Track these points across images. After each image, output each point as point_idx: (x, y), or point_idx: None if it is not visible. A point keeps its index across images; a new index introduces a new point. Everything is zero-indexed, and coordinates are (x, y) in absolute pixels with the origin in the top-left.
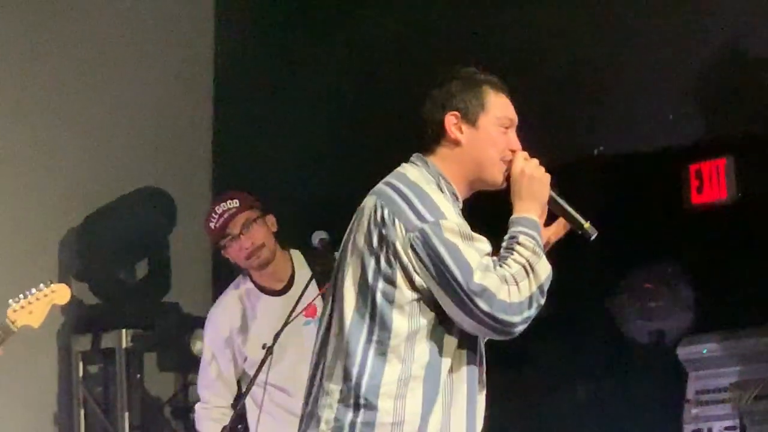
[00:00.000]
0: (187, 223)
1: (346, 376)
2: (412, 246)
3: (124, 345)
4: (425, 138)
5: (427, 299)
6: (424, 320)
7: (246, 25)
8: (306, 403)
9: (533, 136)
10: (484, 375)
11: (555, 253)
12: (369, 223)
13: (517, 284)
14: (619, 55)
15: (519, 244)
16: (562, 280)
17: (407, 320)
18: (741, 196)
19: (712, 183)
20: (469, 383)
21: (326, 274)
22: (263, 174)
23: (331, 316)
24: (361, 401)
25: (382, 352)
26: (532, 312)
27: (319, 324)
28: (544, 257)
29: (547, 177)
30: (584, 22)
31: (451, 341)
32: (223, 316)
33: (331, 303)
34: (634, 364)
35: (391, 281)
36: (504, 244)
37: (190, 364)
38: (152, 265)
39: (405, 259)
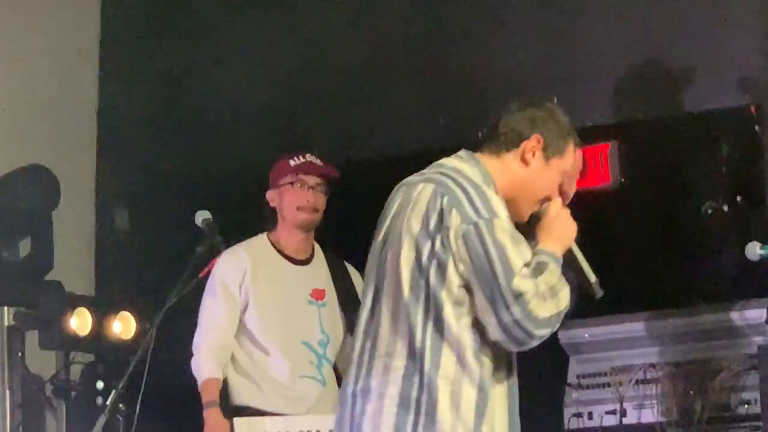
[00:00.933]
0: (71, 202)
1: (411, 354)
2: (463, 237)
3: (6, 323)
4: (497, 140)
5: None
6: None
7: (131, 2)
8: (356, 380)
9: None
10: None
11: None
12: (428, 209)
13: (546, 300)
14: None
15: (548, 269)
16: None
17: (457, 304)
18: (624, 181)
19: (596, 168)
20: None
21: (209, 253)
22: (147, 152)
23: (375, 298)
24: (425, 379)
25: (440, 330)
26: (548, 332)
27: (362, 305)
28: (568, 288)
29: (575, 228)
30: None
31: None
32: (238, 262)
33: (375, 285)
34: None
35: (443, 264)
36: (532, 266)
37: (72, 342)
38: (35, 243)
39: (454, 247)
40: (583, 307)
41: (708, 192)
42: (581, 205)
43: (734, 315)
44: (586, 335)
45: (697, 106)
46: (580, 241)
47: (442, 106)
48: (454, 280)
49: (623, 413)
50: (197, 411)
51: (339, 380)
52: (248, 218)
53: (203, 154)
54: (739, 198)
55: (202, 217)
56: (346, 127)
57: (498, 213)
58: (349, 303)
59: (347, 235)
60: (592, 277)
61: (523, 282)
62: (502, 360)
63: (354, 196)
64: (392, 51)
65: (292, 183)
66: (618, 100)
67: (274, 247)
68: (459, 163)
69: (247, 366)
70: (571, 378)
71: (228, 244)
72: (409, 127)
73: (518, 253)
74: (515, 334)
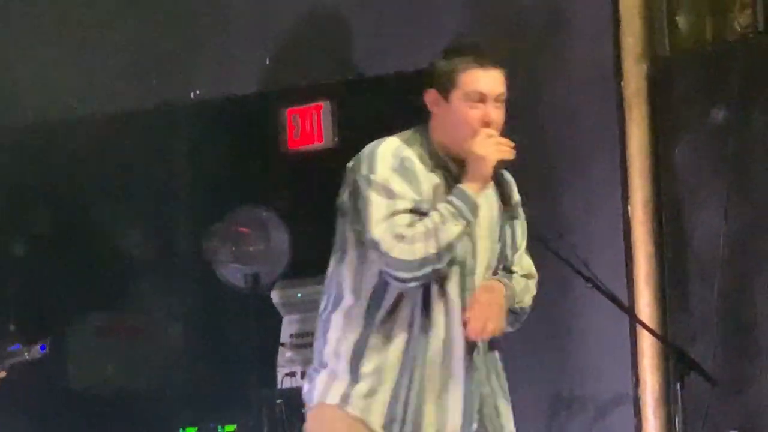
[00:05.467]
0: None
1: (326, 292)
2: (349, 194)
3: None
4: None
5: None
6: None
7: None
8: None
9: None
10: None
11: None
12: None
13: (412, 244)
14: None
15: (436, 210)
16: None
17: (360, 256)
18: (338, 141)
19: (310, 128)
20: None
21: None
22: None
23: None
24: (325, 315)
25: (339, 274)
26: (424, 272)
27: None
28: (453, 227)
29: (494, 158)
30: None
31: None
32: None
33: None
34: (229, 307)
35: (345, 217)
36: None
37: None
38: None
39: (347, 203)
40: (297, 268)
41: None
42: (295, 165)
43: None
44: (299, 295)
45: (414, 65)
46: (294, 203)
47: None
48: (351, 234)
49: None
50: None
51: None
52: None
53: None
54: None
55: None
56: None
57: (377, 167)
58: None
59: None
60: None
61: (380, 231)
62: (402, 309)
63: None
64: None
65: None
66: (331, 61)
67: None
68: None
69: None
70: (284, 337)
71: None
72: None
73: (383, 203)
74: (390, 276)
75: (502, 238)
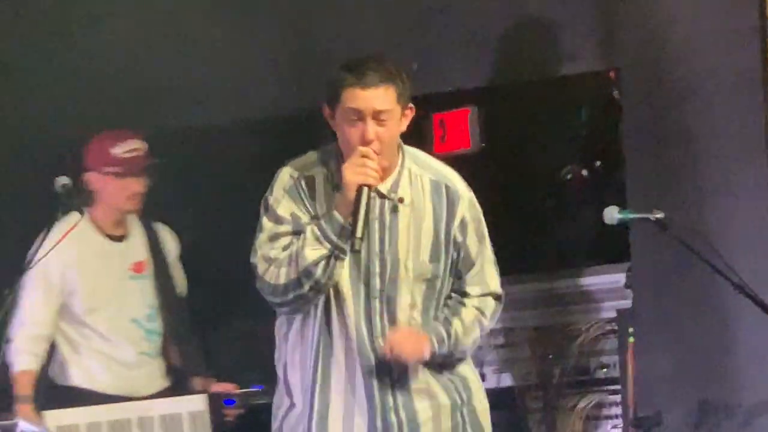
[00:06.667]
0: None
1: None
2: None
3: None
4: None
5: None
6: None
7: None
8: None
9: None
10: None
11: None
12: None
13: (279, 268)
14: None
15: (302, 233)
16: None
17: None
18: (485, 146)
19: (456, 132)
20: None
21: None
22: (4, 116)
23: None
24: None
25: None
26: (290, 298)
27: None
28: (310, 251)
29: (354, 182)
30: None
31: None
32: (58, 250)
33: None
34: None
35: None
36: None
37: None
38: None
39: None
40: None
41: (567, 157)
42: None
43: (593, 279)
44: None
45: (556, 71)
46: None
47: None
48: None
49: (482, 377)
50: None
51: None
52: None
53: (64, 119)
54: (597, 163)
55: (60, 182)
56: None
57: (274, 190)
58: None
59: None
60: (357, 232)
61: (257, 257)
62: (307, 329)
63: None
64: None
65: (117, 174)
66: (478, 66)
67: (94, 225)
68: (322, 148)
69: (90, 354)
70: None
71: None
72: None
73: (266, 227)
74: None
75: (446, 253)
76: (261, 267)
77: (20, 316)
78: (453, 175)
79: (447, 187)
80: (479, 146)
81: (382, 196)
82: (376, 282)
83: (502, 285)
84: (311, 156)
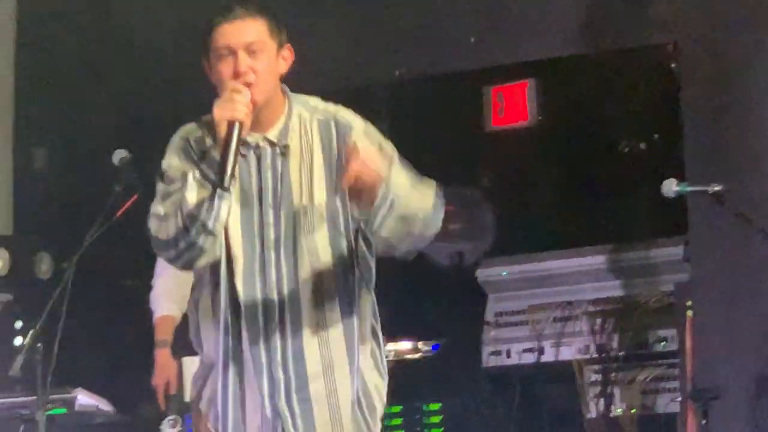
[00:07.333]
0: None
1: None
2: None
3: None
4: None
5: None
6: None
7: None
8: None
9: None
10: None
11: None
12: None
13: (167, 221)
14: None
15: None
16: None
17: None
18: (542, 119)
19: (514, 106)
20: None
21: (127, 192)
22: (65, 91)
23: None
24: None
25: None
26: (181, 248)
27: None
28: (190, 193)
29: (221, 118)
30: None
31: None
32: None
33: None
34: (433, 285)
35: None
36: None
37: None
38: None
39: None
40: (502, 246)
41: (625, 130)
42: (499, 143)
43: (651, 252)
44: (504, 273)
45: (614, 43)
46: (498, 181)
47: None
48: None
49: (541, 351)
50: (117, 350)
51: None
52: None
53: (123, 93)
54: (656, 135)
55: (119, 155)
56: None
57: (167, 155)
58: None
59: None
60: (227, 168)
61: (148, 222)
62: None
63: None
64: None
65: None
66: (536, 39)
67: None
68: None
69: None
70: (489, 316)
71: (146, 182)
72: None
73: (159, 192)
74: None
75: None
76: (153, 227)
77: (159, 264)
78: (345, 111)
79: (336, 122)
80: (537, 120)
81: (271, 144)
82: (270, 232)
83: (563, 258)
84: (204, 118)
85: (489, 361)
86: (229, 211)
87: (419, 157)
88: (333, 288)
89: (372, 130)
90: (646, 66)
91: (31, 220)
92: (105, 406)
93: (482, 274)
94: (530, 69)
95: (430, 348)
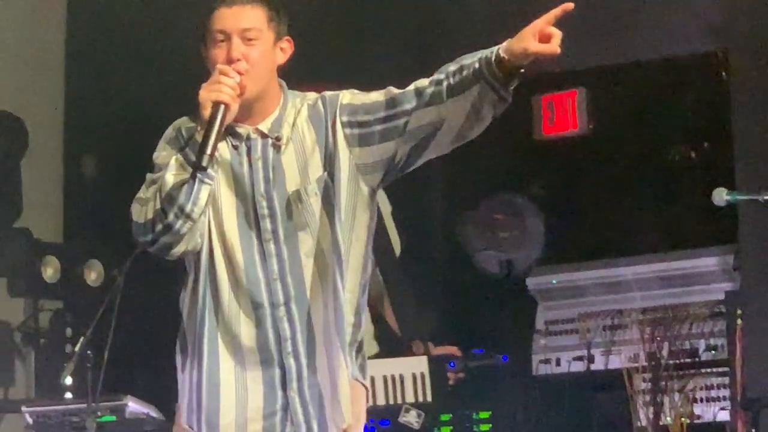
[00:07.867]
0: (39, 149)
1: None
2: None
3: None
4: None
5: None
6: None
7: None
8: None
9: None
10: None
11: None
12: None
13: (146, 205)
14: None
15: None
16: (410, 209)
17: None
18: (592, 127)
19: (564, 114)
20: None
21: None
22: (116, 98)
23: None
24: None
25: None
26: (157, 230)
27: None
28: (169, 175)
29: (206, 100)
30: None
31: None
32: None
33: None
34: (483, 293)
35: None
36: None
37: (41, 290)
38: (3, 190)
39: None
40: (552, 254)
41: (675, 138)
42: (549, 151)
43: (701, 261)
44: (554, 281)
45: (664, 51)
46: (548, 189)
47: None
48: None
49: (591, 359)
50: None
51: None
52: None
53: (173, 100)
54: (705, 144)
55: None
56: None
57: (159, 146)
58: None
59: None
60: (206, 148)
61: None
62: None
63: None
64: None
65: None
66: (586, 47)
67: None
68: None
69: None
70: (539, 324)
71: None
72: None
73: (147, 180)
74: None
75: (340, 157)
76: (134, 211)
77: None
78: (334, 92)
79: (323, 98)
80: (587, 128)
81: (264, 135)
82: (266, 223)
83: (613, 266)
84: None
85: (539, 369)
86: (208, 199)
87: (470, 165)
88: (332, 271)
89: (357, 92)
90: (696, 74)
91: (81, 228)
92: (155, 413)
93: (532, 282)
94: (580, 77)
95: (501, 357)
